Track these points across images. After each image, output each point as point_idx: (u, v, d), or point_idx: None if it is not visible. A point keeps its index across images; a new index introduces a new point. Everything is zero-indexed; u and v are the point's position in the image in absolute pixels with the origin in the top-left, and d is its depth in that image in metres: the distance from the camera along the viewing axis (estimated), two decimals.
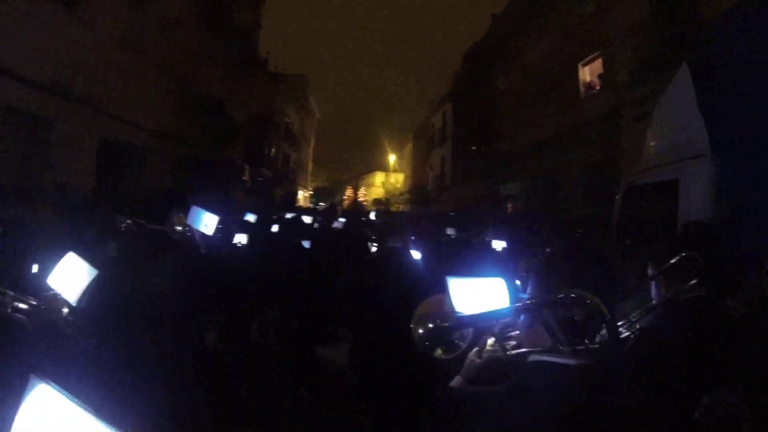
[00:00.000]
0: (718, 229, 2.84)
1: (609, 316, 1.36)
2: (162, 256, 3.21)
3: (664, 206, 4.38)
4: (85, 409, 0.81)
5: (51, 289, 2.52)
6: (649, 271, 2.50)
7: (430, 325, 1.74)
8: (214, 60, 19.17)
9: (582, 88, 16.02)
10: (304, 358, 5.54)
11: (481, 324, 1.77)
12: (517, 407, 1.36)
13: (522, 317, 1.60)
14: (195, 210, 4.34)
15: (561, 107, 16.99)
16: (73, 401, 0.82)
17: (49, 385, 0.83)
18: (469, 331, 1.80)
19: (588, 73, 15.90)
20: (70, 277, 2.59)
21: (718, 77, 4.22)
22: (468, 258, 5.93)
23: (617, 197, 5.79)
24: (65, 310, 2.46)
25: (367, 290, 4.02)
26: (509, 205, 21.74)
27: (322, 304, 5.78)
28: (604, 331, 1.38)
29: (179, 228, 4.23)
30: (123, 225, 4.51)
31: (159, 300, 3.04)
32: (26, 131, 9.53)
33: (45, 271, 2.74)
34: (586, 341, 1.38)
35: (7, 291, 2.33)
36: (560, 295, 1.41)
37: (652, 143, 5.38)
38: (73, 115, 10.48)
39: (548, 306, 1.45)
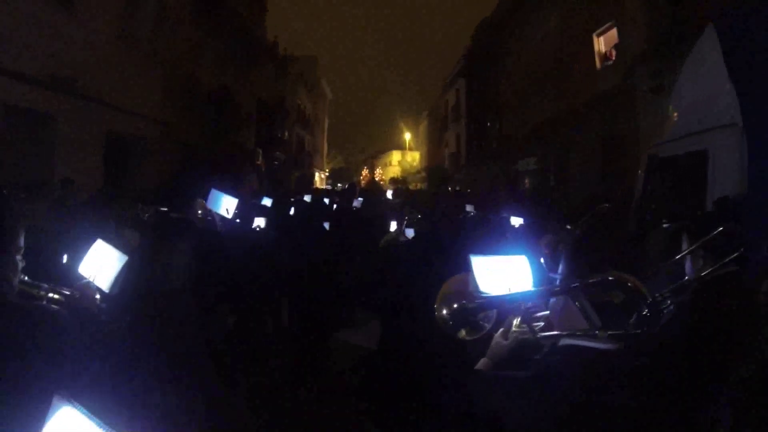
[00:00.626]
0: (754, 203, 2.73)
1: (650, 299, 1.32)
2: (186, 242, 3.20)
3: (692, 179, 4.21)
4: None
5: (83, 278, 2.56)
6: (684, 246, 2.37)
7: (455, 306, 1.69)
8: (218, 48, 19.09)
9: (597, 60, 15.66)
10: (304, 359, 5.48)
11: (507, 305, 1.73)
12: (547, 393, 1.34)
13: (553, 299, 1.56)
14: (215, 194, 4.40)
15: (575, 80, 16.68)
16: (98, 424, 0.79)
17: (74, 406, 0.81)
18: (494, 311, 1.74)
19: (603, 44, 15.53)
20: (101, 264, 2.62)
21: (748, 37, 3.94)
22: (488, 235, 5.85)
23: (639, 171, 5.61)
24: (98, 296, 2.51)
25: (397, 277, 3.87)
26: (527, 181, 21.53)
27: (339, 288, 5.74)
28: (634, 316, 1.33)
29: (200, 212, 4.34)
30: (146, 214, 4.53)
31: (181, 288, 3.06)
32: (28, 128, 9.58)
33: (75, 260, 2.76)
34: (625, 326, 1.33)
35: (41, 284, 2.36)
36: (598, 279, 1.36)
37: (676, 113, 5.16)
38: (76, 110, 10.49)
39: (585, 289, 1.40)
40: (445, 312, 1.70)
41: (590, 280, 1.38)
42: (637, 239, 4.16)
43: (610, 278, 1.34)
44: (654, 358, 1.92)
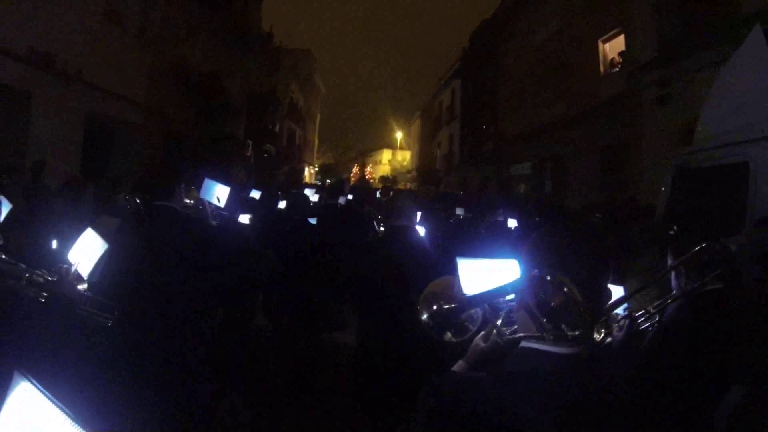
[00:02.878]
0: None
1: (584, 306, 1.31)
2: (172, 233, 3.19)
3: (728, 192, 3.96)
4: (64, 411, 0.79)
5: (69, 264, 2.49)
6: (669, 261, 2.42)
7: (434, 308, 1.71)
8: (210, 33, 18.58)
9: (602, 66, 15.39)
10: (306, 355, 5.36)
11: (485, 303, 1.71)
12: (502, 394, 1.33)
13: (515, 300, 1.58)
14: (207, 182, 4.50)
15: (576, 85, 16.42)
16: (53, 402, 0.80)
17: (32, 383, 0.82)
18: (479, 314, 1.75)
19: (609, 51, 15.24)
20: (86, 251, 2.63)
21: None
22: (479, 238, 5.66)
23: (664, 185, 5.25)
24: (83, 286, 2.43)
25: (368, 272, 3.70)
26: (522, 186, 21.22)
27: (326, 285, 5.48)
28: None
29: (188, 201, 4.33)
30: (128, 206, 4.52)
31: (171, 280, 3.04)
32: (1, 105, 9.05)
33: (66, 246, 2.78)
34: (563, 327, 1.33)
35: (18, 263, 2.28)
36: (536, 273, 1.38)
37: (709, 122, 4.90)
38: (55, 88, 10.00)
39: (528, 286, 1.42)
40: (425, 314, 1.72)
41: (530, 276, 1.40)
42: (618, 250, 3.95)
43: (547, 277, 1.34)
44: (653, 359, 2.07)
